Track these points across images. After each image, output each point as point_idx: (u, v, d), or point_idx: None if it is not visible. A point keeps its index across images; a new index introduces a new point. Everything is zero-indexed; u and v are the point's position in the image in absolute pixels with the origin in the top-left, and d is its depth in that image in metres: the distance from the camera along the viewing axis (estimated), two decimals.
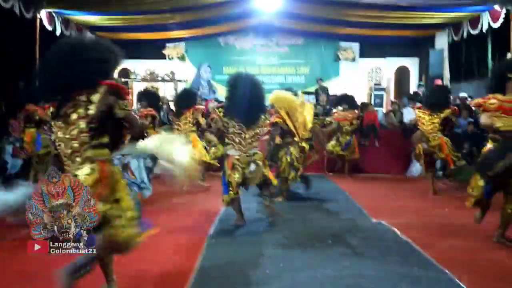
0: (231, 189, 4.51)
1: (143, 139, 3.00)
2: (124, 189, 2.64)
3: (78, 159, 2.52)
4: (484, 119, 3.97)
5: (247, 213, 5.19)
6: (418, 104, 7.72)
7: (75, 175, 2.46)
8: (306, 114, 5.92)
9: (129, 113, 2.64)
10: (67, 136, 2.51)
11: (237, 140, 4.61)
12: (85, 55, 2.46)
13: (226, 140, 4.73)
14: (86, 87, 2.48)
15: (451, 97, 7.57)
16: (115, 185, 2.58)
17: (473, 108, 9.13)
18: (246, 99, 4.47)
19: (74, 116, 2.48)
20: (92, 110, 2.46)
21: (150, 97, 7.23)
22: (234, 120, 4.61)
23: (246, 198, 6.16)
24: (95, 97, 2.47)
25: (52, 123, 2.59)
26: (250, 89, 4.52)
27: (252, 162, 4.54)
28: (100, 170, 2.51)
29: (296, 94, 6.26)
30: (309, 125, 5.99)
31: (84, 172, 2.49)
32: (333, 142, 8.31)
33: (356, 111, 8.56)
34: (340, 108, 8.56)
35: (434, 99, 6.66)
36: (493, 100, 3.93)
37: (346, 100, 8.56)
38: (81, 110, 2.47)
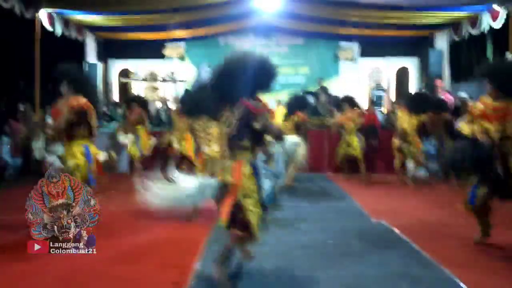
0: None
1: None
2: None
3: None
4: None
5: None
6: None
7: None
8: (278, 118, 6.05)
9: None
10: None
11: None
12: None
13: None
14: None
15: (442, 102, 8.17)
16: None
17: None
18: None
19: None
20: None
21: (140, 102, 8.20)
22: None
23: None
24: None
25: None
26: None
27: None
28: None
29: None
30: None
31: None
32: (343, 145, 8.12)
33: (357, 109, 8.41)
34: (343, 108, 8.34)
35: (414, 103, 7.43)
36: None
37: (347, 100, 8.45)
38: None
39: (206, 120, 5.03)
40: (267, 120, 3.09)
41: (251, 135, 3.03)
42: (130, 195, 6.55)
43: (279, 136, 3.26)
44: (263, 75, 3.08)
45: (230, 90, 3.03)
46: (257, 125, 2.99)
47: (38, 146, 6.42)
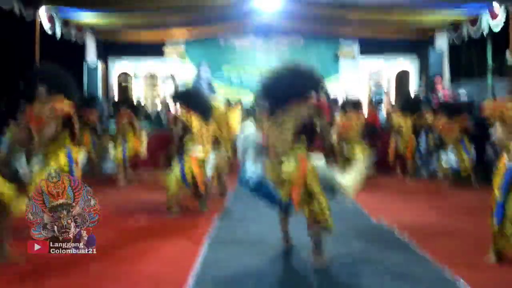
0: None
1: None
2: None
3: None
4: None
5: (247, 214, 5.20)
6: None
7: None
8: (232, 120, 6.24)
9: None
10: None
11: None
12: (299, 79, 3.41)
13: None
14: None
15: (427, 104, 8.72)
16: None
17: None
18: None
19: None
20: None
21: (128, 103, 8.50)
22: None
23: (247, 199, 6.17)
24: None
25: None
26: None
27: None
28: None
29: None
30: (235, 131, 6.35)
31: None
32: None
33: (359, 113, 8.20)
34: (346, 111, 7.99)
35: (407, 105, 8.18)
36: None
37: (352, 103, 8.22)
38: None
39: (200, 120, 5.16)
40: (326, 123, 3.54)
41: (309, 133, 3.45)
42: (129, 195, 6.59)
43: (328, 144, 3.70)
44: (313, 78, 3.52)
45: (295, 89, 3.38)
46: (318, 123, 3.44)
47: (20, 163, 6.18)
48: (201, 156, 5.20)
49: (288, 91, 3.36)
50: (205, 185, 5.33)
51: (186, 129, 5.19)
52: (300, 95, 3.36)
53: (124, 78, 13.14)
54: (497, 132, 3.40)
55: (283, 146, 3.36)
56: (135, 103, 9.15)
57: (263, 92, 3.55)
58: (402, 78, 13.22)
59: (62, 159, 4.06)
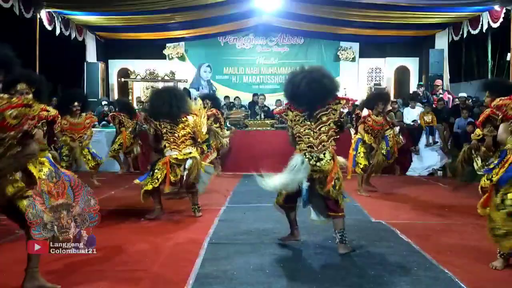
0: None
1: None
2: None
3: (321, 147, 3.72)
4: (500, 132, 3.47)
5: (247, 214, 5.20)
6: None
7: (320, 158, 3.69)
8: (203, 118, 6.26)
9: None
10: (316, 131, 3.73)
11: (171, 139, 4.94)
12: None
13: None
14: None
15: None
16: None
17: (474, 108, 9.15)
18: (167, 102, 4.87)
19: (324, 118, 3.72)
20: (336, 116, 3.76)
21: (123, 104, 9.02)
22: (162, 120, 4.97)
23: (247, 199, 6.16)
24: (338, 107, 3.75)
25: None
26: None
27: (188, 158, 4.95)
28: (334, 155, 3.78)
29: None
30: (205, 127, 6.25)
31: (327, 157, 3.70)
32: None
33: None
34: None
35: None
36: None
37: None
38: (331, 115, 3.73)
39: (171, 123, 4.98)
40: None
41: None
42: (129, 195, 6.58)
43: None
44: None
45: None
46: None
47: None
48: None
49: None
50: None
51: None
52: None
53: (124, 75, 13.11)
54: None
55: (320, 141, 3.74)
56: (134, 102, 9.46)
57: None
58: (401, 74, 13.20)
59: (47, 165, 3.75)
